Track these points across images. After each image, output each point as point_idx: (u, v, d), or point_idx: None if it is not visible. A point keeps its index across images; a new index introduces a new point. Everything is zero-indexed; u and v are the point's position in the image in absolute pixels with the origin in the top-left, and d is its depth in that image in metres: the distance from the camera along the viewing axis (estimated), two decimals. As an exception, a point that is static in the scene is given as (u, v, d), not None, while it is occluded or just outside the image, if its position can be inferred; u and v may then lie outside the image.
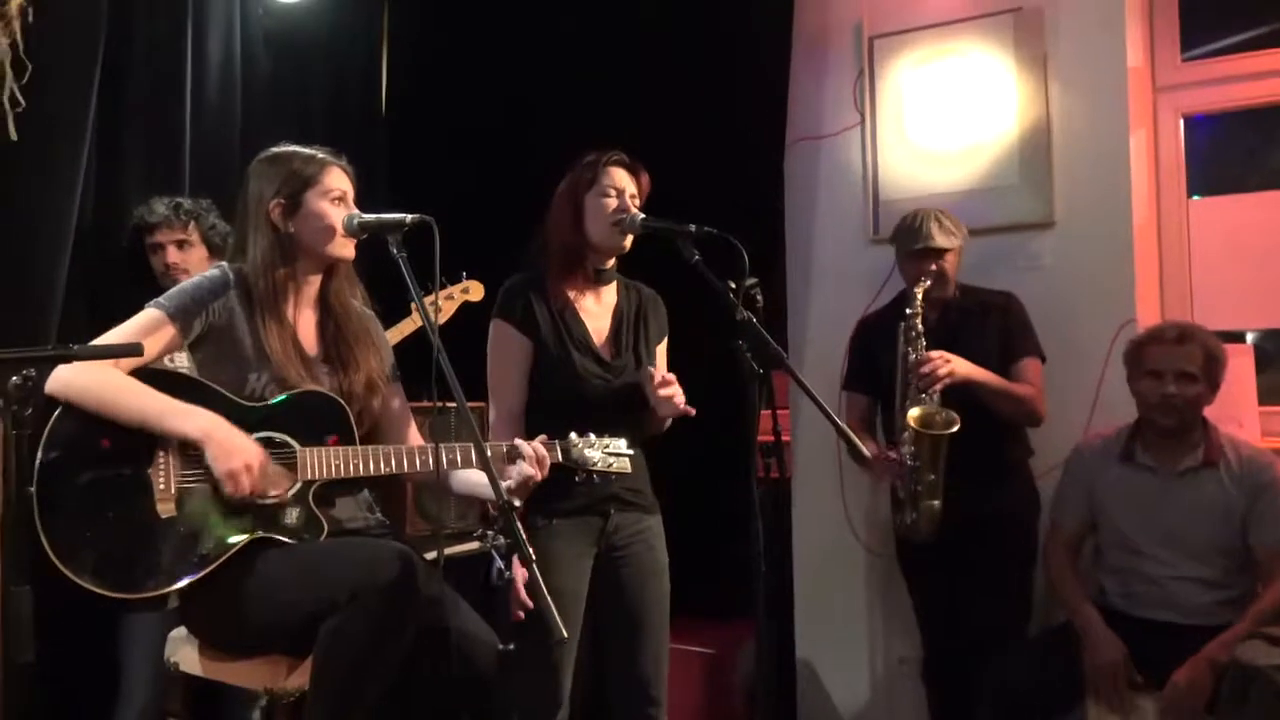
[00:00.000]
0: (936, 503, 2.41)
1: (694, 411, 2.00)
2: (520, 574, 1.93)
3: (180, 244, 2.48)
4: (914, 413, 2.40)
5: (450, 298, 2.73)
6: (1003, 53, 2.85)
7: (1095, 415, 2.67)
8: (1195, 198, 2.89)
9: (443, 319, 2.68)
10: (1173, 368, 2.27)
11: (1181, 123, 2.88)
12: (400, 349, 2.59)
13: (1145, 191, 2.81)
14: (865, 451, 1.91)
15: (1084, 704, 2.25)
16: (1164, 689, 2.15)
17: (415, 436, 2.01)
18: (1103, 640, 2.22)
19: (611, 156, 2.11)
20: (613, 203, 2.06)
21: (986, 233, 2.78)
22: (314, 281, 1.93)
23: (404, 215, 1.74)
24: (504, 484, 1.71)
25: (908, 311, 2.48)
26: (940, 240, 2.50)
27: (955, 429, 2.35)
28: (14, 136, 2.29)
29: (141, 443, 1.69)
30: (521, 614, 1.90)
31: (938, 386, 2.39)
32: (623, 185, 2.09)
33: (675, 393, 1.99)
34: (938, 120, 2.94)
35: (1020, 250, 2.81)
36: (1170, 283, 2.86)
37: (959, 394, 2.41)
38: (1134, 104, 2.76)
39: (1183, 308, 2.82)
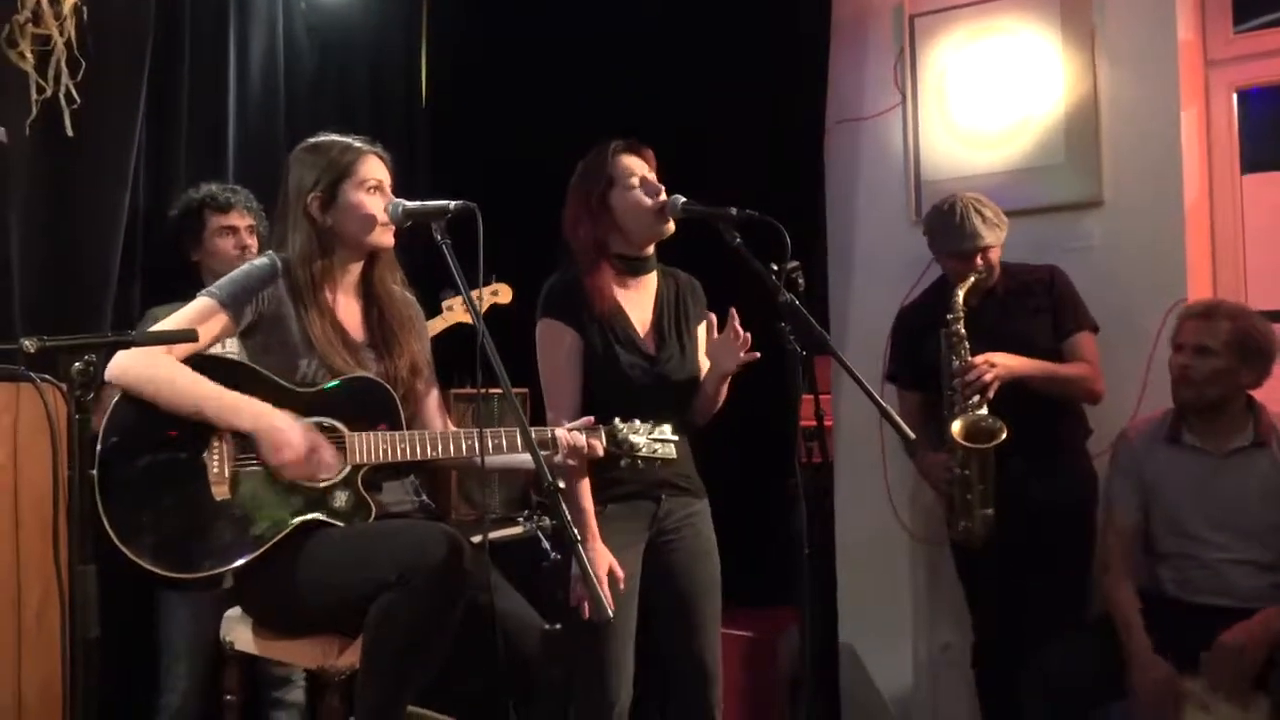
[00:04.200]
0: (989, 511, 2.38)
1: (758, 355, 1.98)
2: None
3: (250, 229, 2.48)
4: (956, 425, 2.36)
5: (478, 298, 2.73)
6: (1048, 29, 2.80)
7: (1145, 397, 2.62)
8: (1249, 174, 2.81)
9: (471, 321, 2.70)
10: (1192, 341, 2.24)
11: (1234, 97, 2.80)
12: (440, 338, 2.63)
13: (1197, 169, 2.75)
14: (909, 434, 1.89)
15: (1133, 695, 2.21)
16: (1210, 650, 2.09)
17: (447, 420, 2.04)
18: (1148, 667, 2.16)
19: (615, 147, 2.08)
20: (639, 193, 2.05)
21: (1033, 213, 2.74)
22: (354, 270, 1.96)
23: (447, 202, 1.76)
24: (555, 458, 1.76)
25: (949, 317, 2.42)
26: (989, 237, 2.44)
27: (1001, 439, 2.31)
28: (70, 133, 2.35)
29: (197, 428, 1.73)
30: (583, 599, 1.91)
31: (990, 394, 2.35)
32: (639, 170, 2.07)
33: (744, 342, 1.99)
34: (981, 99, 2.89)
35: (1068, 231, 2.76)
36: (1223, 262, 2.79)
37: (1011, 379, 2.38)
38: (1185, 79, 2.70)
39: (1236, 287, 2.76)
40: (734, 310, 2.01)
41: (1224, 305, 2.30)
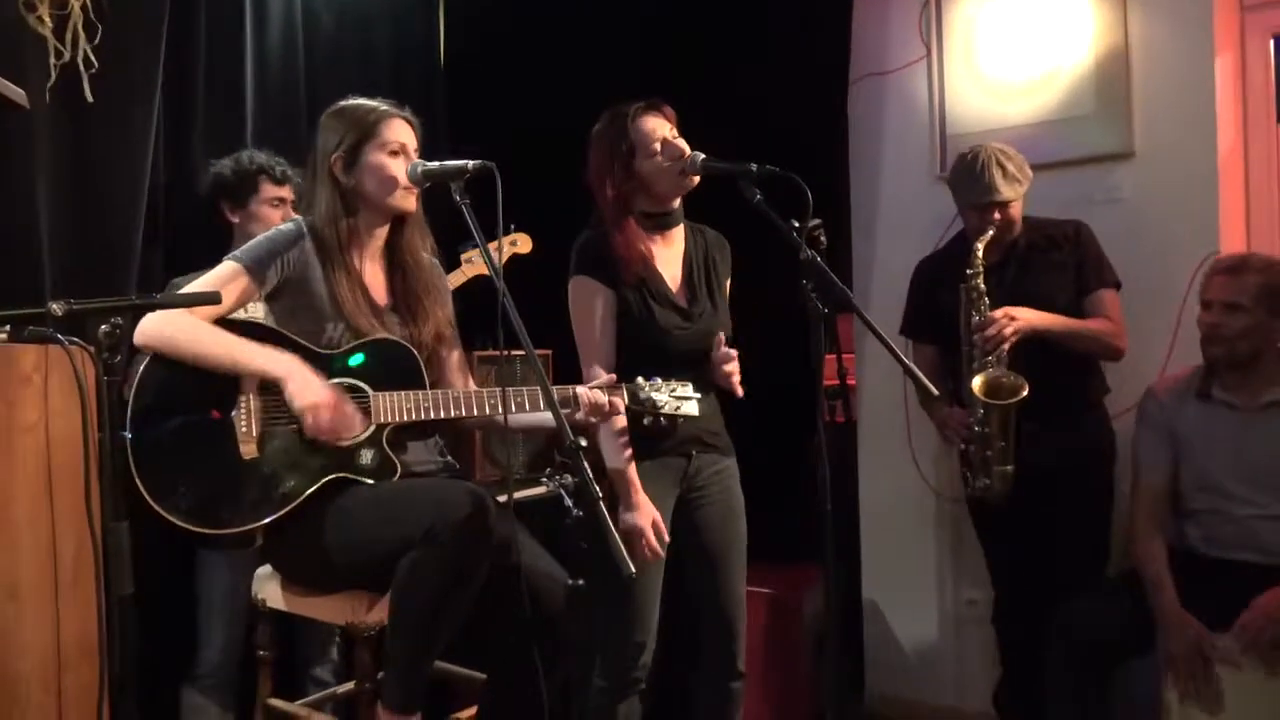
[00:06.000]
0: (1009, 468, 2.37)
1: (740, 393, 2.04)
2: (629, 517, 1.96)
3: (294, 204, 2.48)
4: (977, 381, 2.34)
5: (498, 250, 2.72)
6: (1079, -25, 2.73)
7: (1174, 352, 2.58)
8: (1286, 123, 2.75)
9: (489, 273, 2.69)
10: (1220, 298, 2.22)
11: (1271, 44, 2.72)
12: (461, 298, 2.63)
13: (1231, 118, 2.68)
14: (933, 390, 1.88)
15: (1155, 651, 2.20)
16: (1240, 616, 2.07)
17: (471, 383, 2.05)
18: (1178, 627, 2.14)
19: (635, 110, 2.06)
20: (661, 158, 2.03)
21: (1062, 166, 2.69)
22: (380, 234, 1.96)
23: (466, 162, 1.75)
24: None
25: (968, 272, 2.39)
26: (1006, 192, 2.39)
27: (1023, 395, 2.29)
28: (90, 98, 2.35)
29: (225, 389, 1.75)
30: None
31: (1005, 348, 2.32)
32: (660, 132, 2.05)
33: (734, 370, 2.02)
34: (1008, 50, 2.83)
35: (1098, 183, 2.71)
36: (1257, 214, 2.73)
37: (1032, 335, 2.35)
38: (1220, 24, 2.62)
39: (1270, 239, 2.70)
40: (720, 336, 2.05)
41: (1253, 258, 2.26)
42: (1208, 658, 2.09)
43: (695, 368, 2.03)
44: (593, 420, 1.87)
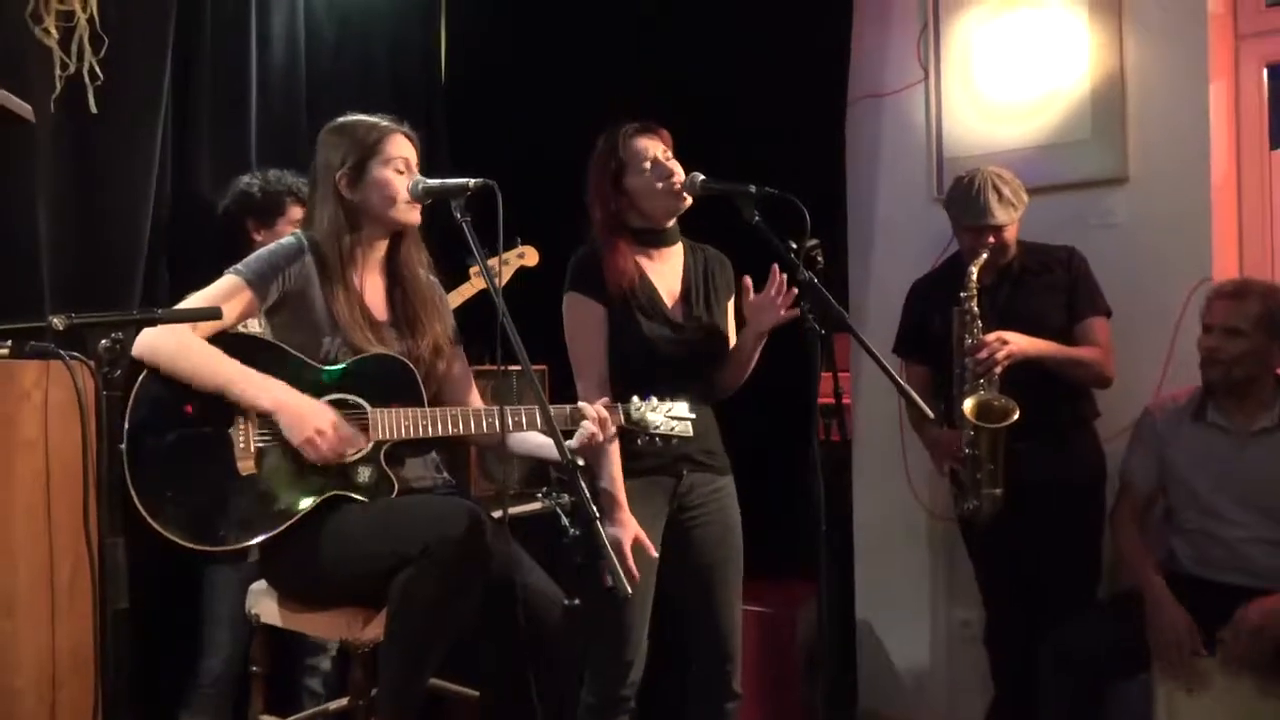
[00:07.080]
0: (998, 490, 2.38)
1: (798, 312, 1.92)
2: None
3: None
4: (968, 404, 2.35)
5: (506, 263, 2.73)
6: (1075, 1, 2.75)
7: (1168, 377, 2.60)
8: (1278, 150, 2.77)
9: (499, 284, 2.69)
10: (1220, 323, 2.24)
11: (1265, 72, 2.75)
12: (463, 312, 2.64)
13: (1225, 145, 2.71)
14: (928, 412, 1.89)
15: (1150, 670, 2.22)
16: (1226, 628, 2.09)
17: (476, 399, 2.05)
18: (1168, 610, 2.17)
19: (627, 130, 2.08)
20: (651, 177, 2.05)
21: (1057, 190, 2.71)
22: (380, 248, 1.97)
23: (467, 180, 1.77)
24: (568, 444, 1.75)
25: (962, 295, 2.41)
26: (1000, 216, 2.41)
27: (1013, 419, 2.30)
28: (94, 109, 2.36)
29: (222, 404, 1.75)
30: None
31: (996, 370, 2.34)
32: (652, 152, 2.07)
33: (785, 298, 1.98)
34: (1005, 74, 2.86)
35: (1092, 208, 2.73)
36: (1250, 240, 2.75)
37: (1023, 360, 2.37)
38: (1214, 52, 2.65)
39: (1262, 266, 2.72)
40: (776, 267, 1.99)
41: (1254, 284, 2.28)
42: (1194, 639, 2.12)
43: (687, 382, 2.04)
44: (600, 440, 1.85)
